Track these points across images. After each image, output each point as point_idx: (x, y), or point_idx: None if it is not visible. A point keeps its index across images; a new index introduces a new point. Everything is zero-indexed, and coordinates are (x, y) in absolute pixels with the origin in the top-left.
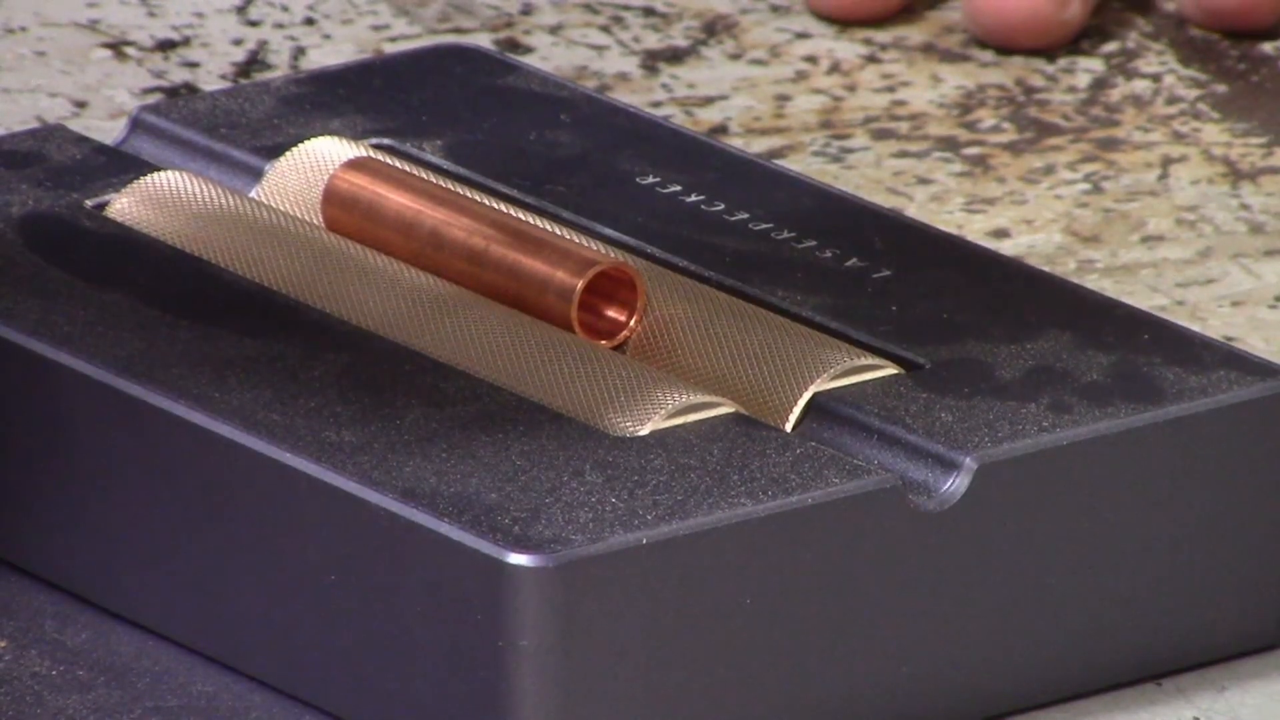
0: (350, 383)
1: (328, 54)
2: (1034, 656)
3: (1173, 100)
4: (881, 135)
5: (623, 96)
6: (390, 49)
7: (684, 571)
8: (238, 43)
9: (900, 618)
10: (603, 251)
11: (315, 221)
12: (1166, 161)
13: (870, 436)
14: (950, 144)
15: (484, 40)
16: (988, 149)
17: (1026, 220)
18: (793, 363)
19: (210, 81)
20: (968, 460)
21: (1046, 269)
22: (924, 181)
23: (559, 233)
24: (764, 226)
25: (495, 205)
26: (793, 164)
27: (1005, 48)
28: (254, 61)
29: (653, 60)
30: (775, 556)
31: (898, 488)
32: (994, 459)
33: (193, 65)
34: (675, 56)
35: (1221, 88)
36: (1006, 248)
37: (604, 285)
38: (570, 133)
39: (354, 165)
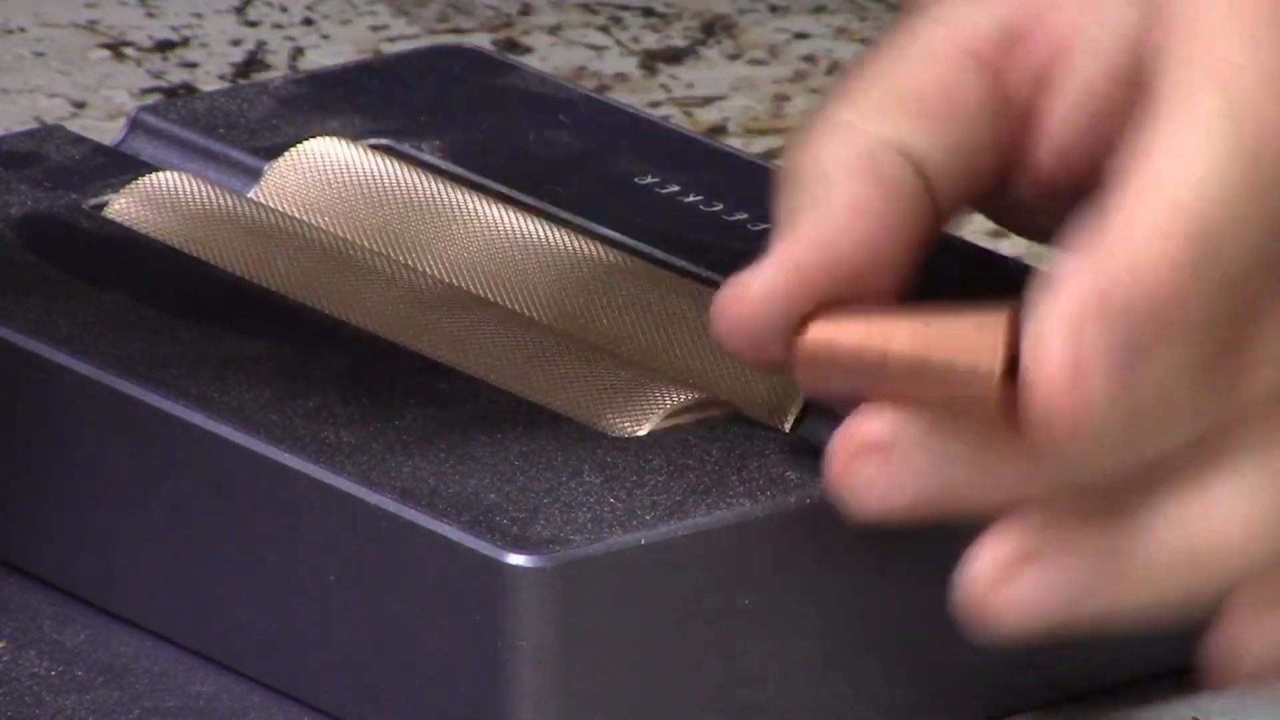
0: (349, 383)
1: (326, 54)
2: (1033, 656)
3: None
4: None
5: (621, 97)
6: (389, 49)
7: (682, 572)
8: (236, 43)
9: (899, 618)
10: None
11: (313, 222)
12: None
13: None
14: None
15: (482, 40)
16: None
17: None
18: None
19: (209, 82)
20: None
21: (1046, 269)
22: None
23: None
24: (763, 227)
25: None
26: None
27: None
28: (252, 62)
29: (651, 60)
30: (774, 557)
31: None
32: None
33: (191, 66)
34: (674, 56)
35: None
36: (1005, 248)
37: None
38: (569, 133)
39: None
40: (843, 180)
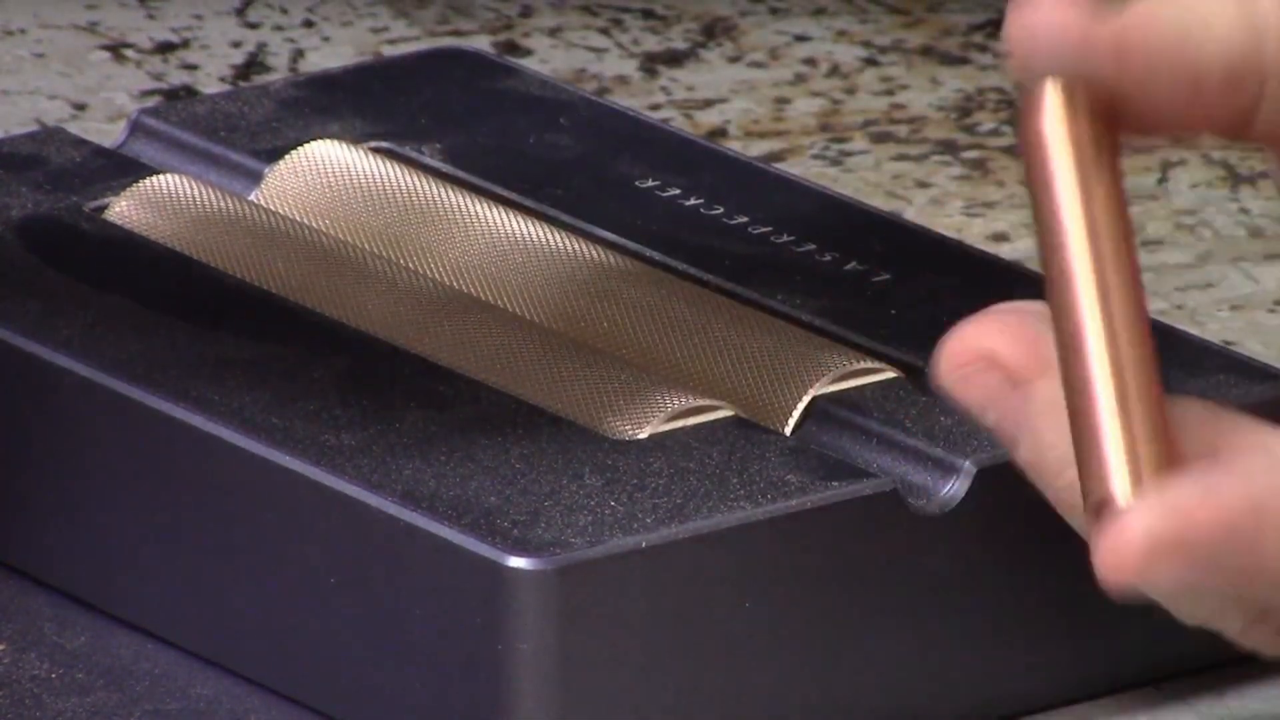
0: (349, 385)
1: (327, 56)
2: (1033, 660)
3: None
4: (880, 138)
5: (622, 99)
6: (389, 51)
7: (683, 575)
8: (237, 45)
9: (899, 621)
10: None
11: (314, 225)
12: (1165, 165)
13: (869, 440)
14: (949, 147)
15: (483, 42)
16: (987, 152)
17: (1026, 224)
18: (792, 366)
19: (209, 84)
20: (967, 464)
21: None
22: (923, 185)
23: None
24: (763, 230)
25: None
26: (792, 167)
27: None
28: (253, 64)
29: (652, 63)
30: (774, 560)
31: (897, 491)
32: (993, 462)
33: (192, 68)
34: (674, 59)
35: None
36: (1006, 251)
37: None
38: (569, 136)
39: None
40: None
